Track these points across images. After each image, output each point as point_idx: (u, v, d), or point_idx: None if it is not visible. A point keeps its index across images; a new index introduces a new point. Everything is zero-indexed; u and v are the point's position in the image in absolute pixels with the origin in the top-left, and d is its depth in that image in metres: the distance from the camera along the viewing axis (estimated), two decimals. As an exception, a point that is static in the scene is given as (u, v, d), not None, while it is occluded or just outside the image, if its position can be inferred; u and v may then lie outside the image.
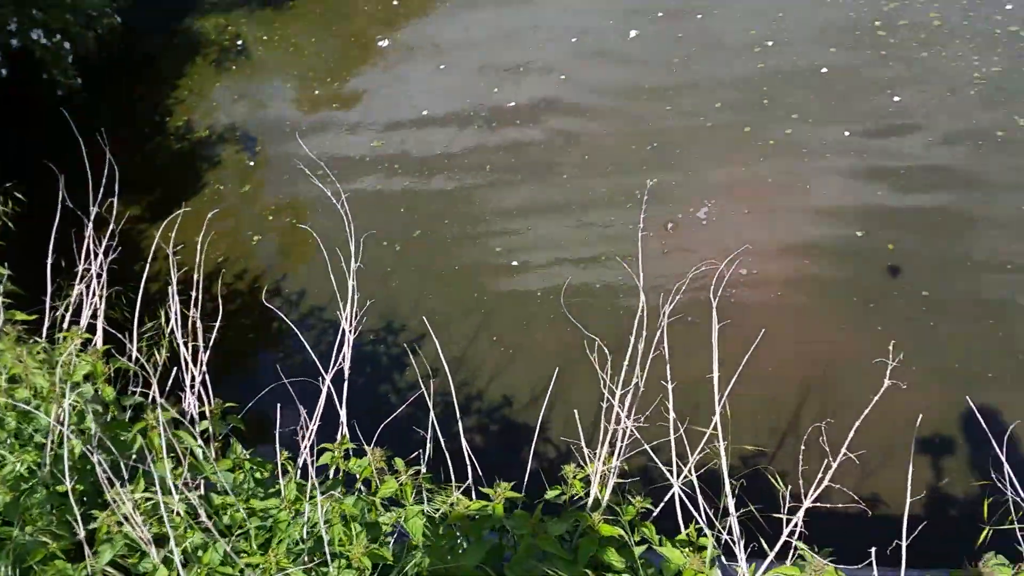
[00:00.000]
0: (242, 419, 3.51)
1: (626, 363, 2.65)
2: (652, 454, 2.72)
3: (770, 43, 8.63)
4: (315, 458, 3.01)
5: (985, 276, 6.12)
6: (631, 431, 2.70)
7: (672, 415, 2.69)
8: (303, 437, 3.25)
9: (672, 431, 2.71)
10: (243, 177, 8.79)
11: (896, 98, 7.66)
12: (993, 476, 2.48)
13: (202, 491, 3.10)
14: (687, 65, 8.68)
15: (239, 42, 10.81)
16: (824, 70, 8.14)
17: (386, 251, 7.42)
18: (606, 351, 2.69)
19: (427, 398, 2.85)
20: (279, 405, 3.27)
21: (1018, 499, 2.29)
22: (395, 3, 10.84)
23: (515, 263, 7.07)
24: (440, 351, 2.96)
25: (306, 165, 7.90)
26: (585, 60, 9.12)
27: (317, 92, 9.72)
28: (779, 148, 7.47)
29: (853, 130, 7.45)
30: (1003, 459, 2.35)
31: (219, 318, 3.60)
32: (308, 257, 7.67)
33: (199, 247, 3.61)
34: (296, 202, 8.28)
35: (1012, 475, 2.49)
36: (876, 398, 2.25)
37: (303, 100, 9.70)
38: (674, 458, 2.71)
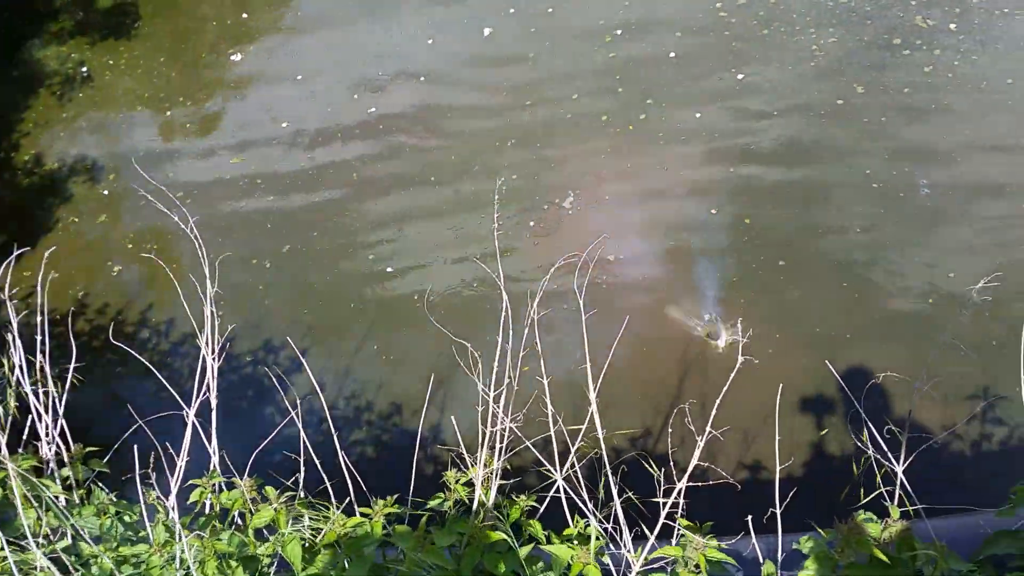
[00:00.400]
0: (108, 461, 3.31)
1: (495, 364, 2.61)
2: (534, 450, 2.69)
3: (619, 31, 8.77)
4: (186, 495, 2.86)
5: (835, 240, 6.39)
6: (511, 430, 2.66)
7: (550, 410, 2.67)
8: (173, 474, 3.09)
9: (552, 425, 2.68)
10: (99, 208, 8.36)
11: (740, 76, 7.90)
12: (854, 436, 2.56)
13: (69, 541, 2.91)
14: (542, 59, 8.73)
15: (83, 69, 10.28)
16: (672, 55, 8.32)
17: (256, 270, 7.20)
18: (475, 354, 2.65)
19: (296, 420, 2.73)
20: (139, 444, 3.10)
21: (879, 456, 2.37)
22: (244, 16, 10.52)
23: (389, 269, 6.97)
24: (310, 372, 2.86)
25: (158, 191, 7.57)
26: (443, 61, 9.07)
27: (170, 114, 9.33)
28: (636, 133, 7.61)
29: (704, 111, 7.65)
30: (863, 417, 2.42)
31: (73, 359, 3.39)
32: (173, 285, 7.36)
33: (39, 286, 3.38)
34: (156, 229, 7.93)
35: (875, 432, 2.57)
36: (732, 375, 2.29)
37: (157, 124, 9.30)
38: (555, 452, 2.68)
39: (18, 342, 2.96)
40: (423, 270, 6.91)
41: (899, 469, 2.49)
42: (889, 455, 2.53)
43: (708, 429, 2.15)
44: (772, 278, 6.20)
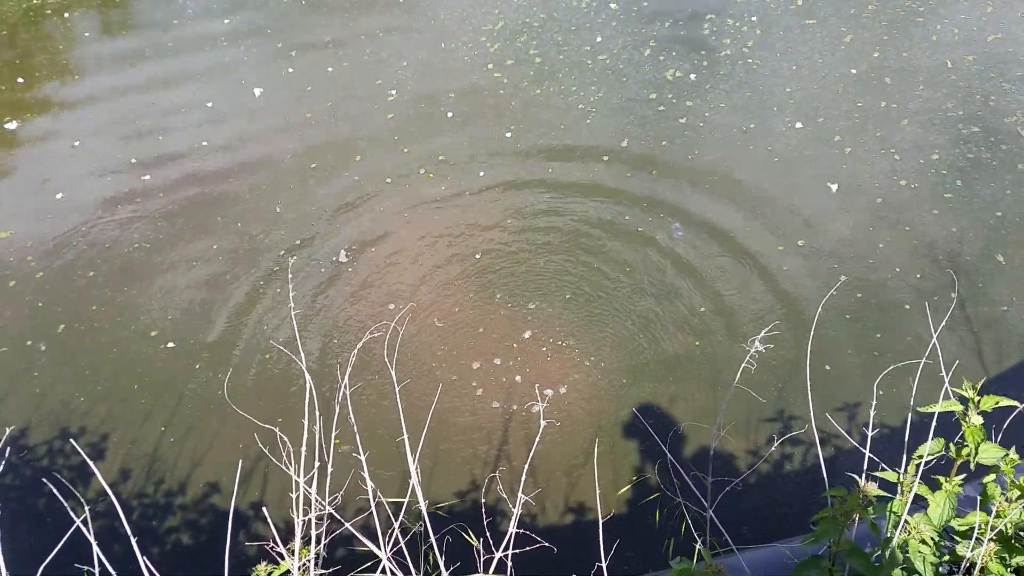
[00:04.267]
0: None
1: (303, 448, 2.47)
2: (354, 532, 2.56)
3: (394, 92, 8.83)
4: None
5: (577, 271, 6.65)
6: (329, 514, 2.52)
7: (370, 486, 2.56)
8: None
9: (372, 500, 2.57)
10: None
11: (508, 134, 8.12)
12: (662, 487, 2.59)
13: None
14: (321, 120, 8.67)
15: None
16: (449, 114, 8.46)
17: (30, 353, 6.59)
18: (284, 438, 2.50)
19: (86, 531, 2.45)
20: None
21: (688, 503, 2.41)
22: (20, 81, 9.80)
23: (172, 344, 6.57)
24: (96, 470, 2.60)
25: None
26: (217, 125, 8.80)
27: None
28: (412, 191, 7.70)
29: (487, 167, 7.82)
30: (671, 461, 2.47)
31: None
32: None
33: None
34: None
35: (685, 477, 2.62)
36: (535, 444, 2.27)
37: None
38: (378, 530, 2.56)
39: None
40: (213, 347, 6.57)
41: (708, 512, 2.55)
42: (699, 498, 2.59)
43: (520, 495, 2.11)
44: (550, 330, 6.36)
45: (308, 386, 2.40)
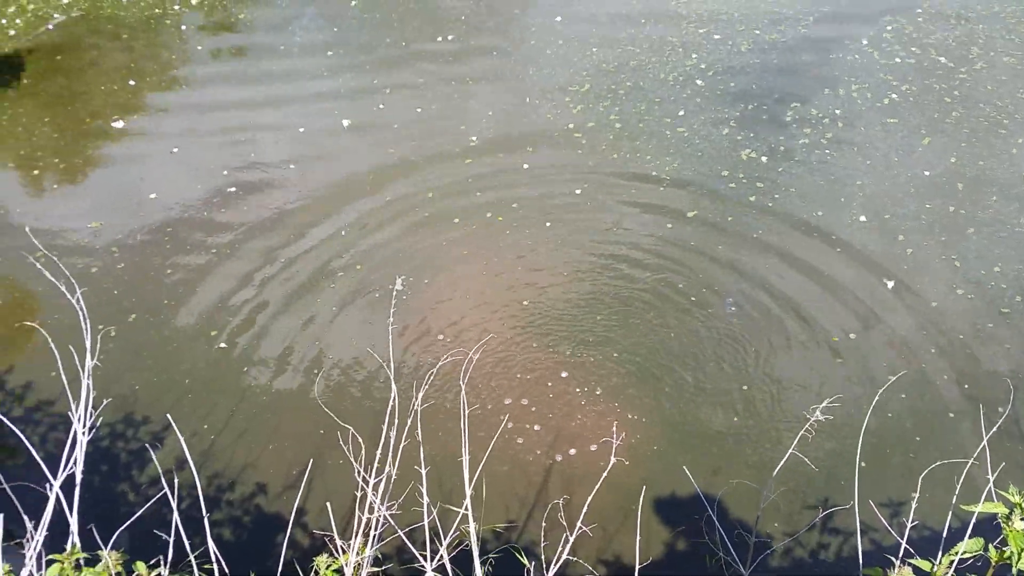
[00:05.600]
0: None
1: (379, 452, 2.64)
2: (406, 540, 2.70)
3: (475, 138, 9.13)
4: (43, 571, 2.70)
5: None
6: (385, 519, 2.67)
7: (426, 500, 2.70)
8: (29, 549, 2.91)
9: (426, 515, 2.71)
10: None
11: (578, 191, 8.33)
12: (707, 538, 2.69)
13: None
14: (402, 156, 9.02)
15: (-43, 123, 9.83)
16: (525, 166, 8.72)
17: (102, 338, 6.89)
18: (360, 440, 2.66)
19: (170, 497, 2.65)
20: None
21: (728, 559, 2.50)
22: (132, 83, 10.35)
23: (224, 345, 6.84)
24: (185, 446, 2.79)
25: (26, 251, 7.26)
26: (304, 150, 9.24)
27: (37, 173, 9.00)
28: (477, 232, 7.96)
29: (554, 220, 8.02)
30: (715, 522, 2.56)
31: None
32: (30, 347, 7.01)
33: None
34: (18, 289, 7.55)
35: (723, 534, 2.71)
36: (604, 475, 2.40)
37: (25, 181, 8.93)
38: (428, 542, 2.70)
39: None
40: (298, 354, 6.83)
41: (745, 573, 2.63)
42: (735, 557, 2.68)
43: (579, 525, 2.23)
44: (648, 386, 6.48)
45: (393, 395, 2.56)
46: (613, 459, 2.37)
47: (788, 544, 5.04)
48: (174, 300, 7.32)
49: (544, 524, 3.15)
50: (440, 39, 11.04)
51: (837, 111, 9.32)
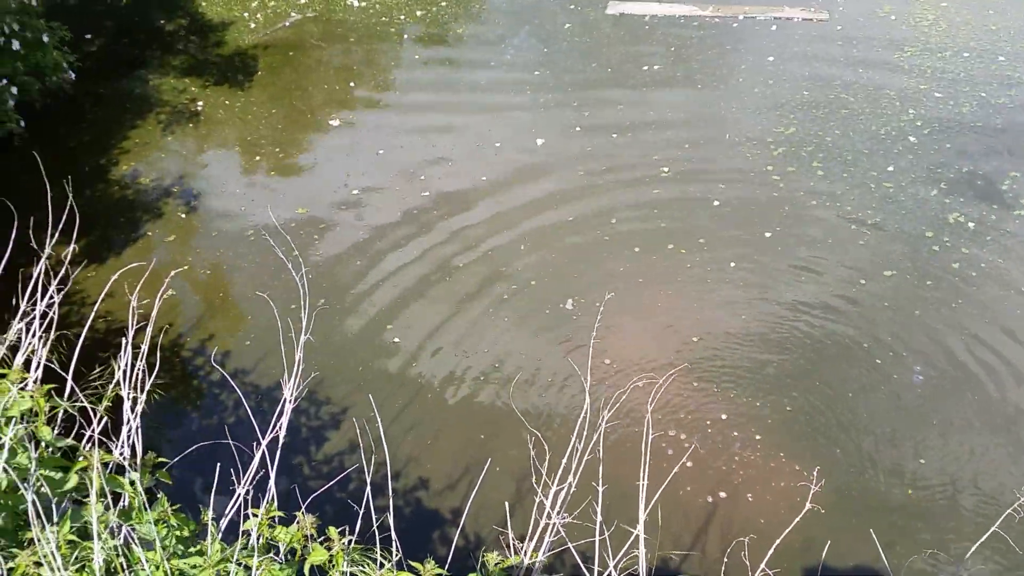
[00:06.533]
0: (168, 474, 3.45)
1: (564, 460, 2.74)
2: (575, 552, 2.79)
3: (666, 169, 9.09)
4: (241, 521, 2.96)
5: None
6: (558, 528, 2.76)
7: (599, 517, 2.77)
8: (232, 500, 3.21)
9: (598, 533, 2.78)
10: (178, 232, 8.72)
11: (768, 234, 8.11)
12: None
13: (121, 541, 3.02)
14: (589, 179, 9.17)
15: (199, 104, 10.84)
16: (716, 203, 8.60)
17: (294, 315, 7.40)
18: (546, 446, 2.78)
19: (365, 470, 2.86)
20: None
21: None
22: (351, 84, 11.07)
23: (397, 340, 7.14)
24: (381, 427, 3.00)
25: (257, 231, 7.91)
26: (499, 163, 9.53)
27: (258, 158, 9.79)
28: (655, 263, 7.98)
29: (739, 260, 7.88)
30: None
31: (155, 372, 3.56)
32: (235, 318, 7.61)
33: (158, 298, 3.60)
34: (228, 261, 8.24)
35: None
36: (797, 519, 2.38)
37: (246, 165, 9.75)
38: (596, 558, 2.77)
39: (129, 345, 3.15)
40: (484, 358, 7.10)
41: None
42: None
43: (763, 567, 2.24)
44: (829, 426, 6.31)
45: (585, 406, 2.66)
46: (809, 504, 2.35)
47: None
48: (360, 291, 7.75)
49: (725, 560, 3.15)
50: (646, 68, 11.14)
51: (1061, 185, 8.70)
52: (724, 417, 6.43)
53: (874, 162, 9.10)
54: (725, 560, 3.16)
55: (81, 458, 3.12)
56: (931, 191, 8.65)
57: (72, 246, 3.97)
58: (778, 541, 2.37)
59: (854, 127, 9.69)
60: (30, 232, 3.96)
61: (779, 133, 9.64)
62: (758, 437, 6.27)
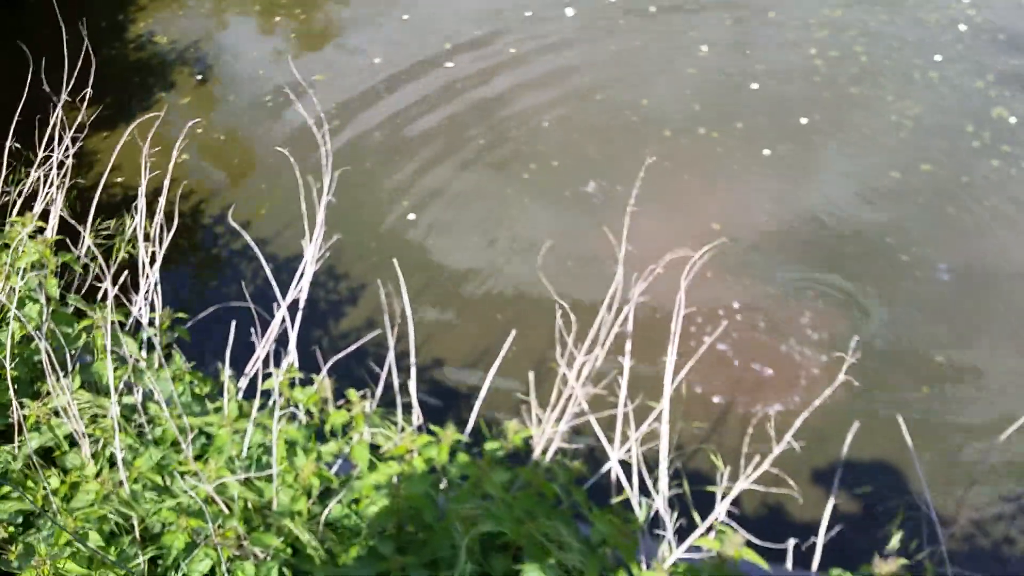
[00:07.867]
0: (187, 331, 3.43)
1: (592, 331, 2.68)
2: (595, 423, 2.75)
3: (704, 47, 8.75)
4: (260, 381, 2.95)
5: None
6: (581, 401, 2.73)
7: (624, 391, 2.73)
8: (250, 360, 3.19)
9: (620, 406, 2.74)
10: (193, 95, 8.56)
11: (804, 120, 7.87)
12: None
13: (139, 398, 3.02)
14: (617, 66, 8.81)
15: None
16: (754, 85, 8.31)
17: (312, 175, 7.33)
18: (572, 316, 2.71)
19: (388, 333, 2.82)
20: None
21: (933, 518, 2.37)
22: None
23: (412, 216, 7.05)
24: (405, 293, 2.94)
25: (272, 91, 7.75)
26: (530, 36, 9.22)
27: (278, 19, 9.53)
28: (690, 147, 7.68)
29: (774, 144, 7.66)
30: (923, 483, 2.45)
31: (173, 228, 3.50)
32: (252, 181, 7.53)
33: (174, 153, 3.50)
34: (246, 124, 8.11)
35: (929, 500, 2.59)
36: (829, 391, 2.32)
37: (264, 28, 9.50)
38: (618, 431, 2.75)
39: (143, 196, 3.07)
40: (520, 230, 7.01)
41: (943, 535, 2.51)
42: (937, 525, 2.54)
43: (788, 437, 2.18)
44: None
45: (618, 277, 2.58)
46: (842, 376, 2.28)
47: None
48: (377, 164, 7.61)
49: (751, 430, 3.13)
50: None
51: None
52: (744, 304, 6.34)
53: (919, 51, 8.72)
54: (750, 430, 3.13)
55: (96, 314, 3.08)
56: (976, 83, 8.32)
57: (88, 90, 3.83)
58: (806, 413, 2.31)
59: (901, 13, 9.25)
60: (43, 76, 3.82)
61: (825, 15, 9.22)
62: (783, 321, 6.21)
